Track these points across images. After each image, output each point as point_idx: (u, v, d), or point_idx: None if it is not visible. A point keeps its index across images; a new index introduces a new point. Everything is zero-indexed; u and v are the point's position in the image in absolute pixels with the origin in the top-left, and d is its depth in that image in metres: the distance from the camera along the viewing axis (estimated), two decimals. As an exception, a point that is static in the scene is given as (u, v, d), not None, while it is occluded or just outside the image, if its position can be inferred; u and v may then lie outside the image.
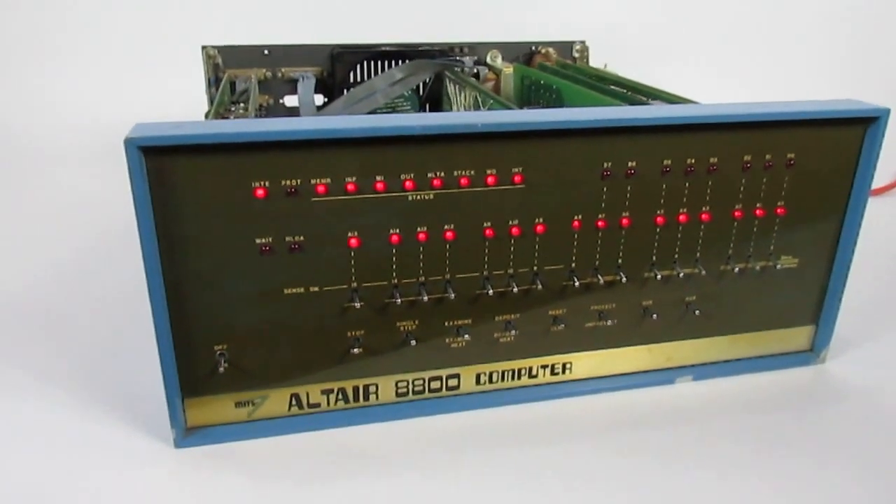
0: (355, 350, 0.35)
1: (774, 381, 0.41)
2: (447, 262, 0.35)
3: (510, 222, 0.35)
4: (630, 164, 0.35)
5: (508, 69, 0.62)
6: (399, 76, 0.57)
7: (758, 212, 0.38)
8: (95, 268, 0.54)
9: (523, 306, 0.37)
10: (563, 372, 0.39)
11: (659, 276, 0.37)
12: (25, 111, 0.84)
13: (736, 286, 0.39)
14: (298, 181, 0.31)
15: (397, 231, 0.33)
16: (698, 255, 0.38)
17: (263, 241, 0.32)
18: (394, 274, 0.34)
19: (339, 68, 0.61)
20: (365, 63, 0.62)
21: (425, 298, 0.35)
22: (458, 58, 0.57)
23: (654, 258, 0.37)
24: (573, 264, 0.36)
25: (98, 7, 0.87)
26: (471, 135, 0.32)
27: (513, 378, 0.38)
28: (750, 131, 0.36)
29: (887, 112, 0.36)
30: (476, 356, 0.37)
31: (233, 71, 0.61)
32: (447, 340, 0.36)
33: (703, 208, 0.37)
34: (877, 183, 0.48)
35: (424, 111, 0.63)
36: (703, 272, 0.38)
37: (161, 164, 0.30)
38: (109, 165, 0.75)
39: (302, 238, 0.32)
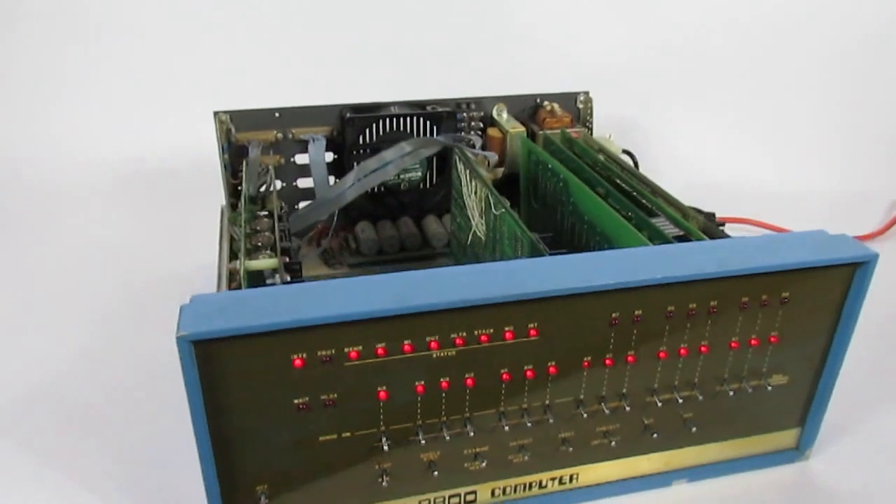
0: (382, 480, 0.38)
1: (763, 478, 0.45)
2: (467, 403, 0.38)
3: (525, 367, 0.38)
4: (636, 312, 0.38)
5: (515, 129, 0.64)
6: (408, 149, 0.59)
7: (752, 341, 0.41)
8: (121, 341, 0.57)
9: (535, 433, 0.40)
10: (571, 481, 0.42)
11: (659, 403, 0.41)
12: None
13: (730, 403, 0.42)
14: (333, 351, 0.34)
15: (422, 383, 0.36)
16: (696, 380, 0.41)
17: (300, 401, 0.35)
18: (418, 417, 0.37)
19: (349, 132, 0.62)
20: (374, 125, 0.63)
21: (447, 437, 0.38)
22: (464, 136, 0.59)
23: (655, 386, 0.40)
24: (581, 396, 0.39)
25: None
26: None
27: (525, 490, 0.42)
28: (749, 278, 0.38)
29: (876, 256, 0.39)
30: (491, 475, 0.41)
31: (244, 135, 0.62)
32: (466, 465, 0.40)
33: (703, 342, 0.40)
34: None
35: (431, 172, 0.65)
36: (701, 397, 0.41)
37: (208, 349, 0.32)
38: (116, 211, 0.77)
39: (335, 395, 0.35)
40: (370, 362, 0.35)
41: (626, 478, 0.43)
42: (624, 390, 0.40)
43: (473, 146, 0.57)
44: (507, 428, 0.38)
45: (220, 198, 0.63)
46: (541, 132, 0.64)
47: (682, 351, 0.40)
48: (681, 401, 0.41)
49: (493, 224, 0.50)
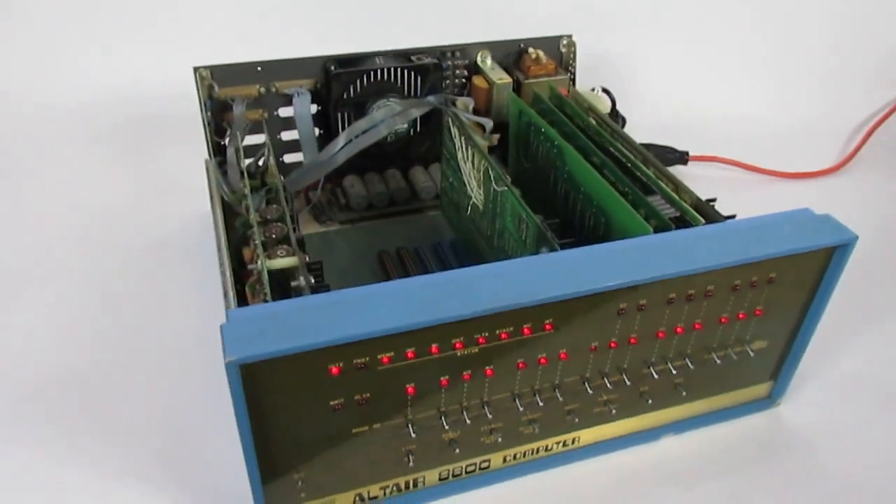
0: (408, 460, 0.42)
1: (740, 426, 0.50)
2: (486, 389, 0.41)
3: (539, 356, 0.40)
4: (642, 302, 0.40)
5: (501, 80, 0.64)
6: (398, 110, 0.59)
7: (740, 315, 0.44)
8: (124, 307, 0.57)
9: (545, 409, 0.43)
10: (573, 444, 0.47)
11: (655, 374, 0.44)
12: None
13: (716, 368, 0.47)
14: (367, 358, 0.36)
15: (447, 377, 0.39)
16: (688, 352, 0.45)
17: (336, 402, 0.37)
18: (442, 405, 0.40)
19: (334, 87, 0.61)
20: (358, 81, 0.62)
21: (467, 420, 0.41)
22: (453, 97, 0.58)
23: (653, 359, 0.44)
24: (587, 374, 0.43)
25: None
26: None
27: (533, 454, 0.46)
28: (744, 266, 0.41)
29: (855, 239, 0.42)
30: (504, 446, 0.44)
31: (226, 90, 0.61)
32: (482, 440, 0.43)
33: (697, 321, 0.43)
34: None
35: (415, 121, 0.65)
36: (691, 366, 0.45)
37: (252, 369, 0.34)
38: (95, 160, 0.75)
39: (368, 395, 0.38)
40: (401, 365, 0.37)
41: (620, 435, 0.48)
42: (625, 366, 0.44)
43: (467, 109, 0.57)
44: (521, 408, 0.42)
45: (199, 146, 0.62)
46: (526, 81, 0.64)
47: (679, 329, 0.43)
48: (674, 371, 0.45)
49: (493, 197, 0.51)
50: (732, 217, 0.46)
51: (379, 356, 0.36)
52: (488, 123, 0.55)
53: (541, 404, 0.42)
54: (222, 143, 0.62)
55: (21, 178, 0.73)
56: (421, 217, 0.65)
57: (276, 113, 0.63)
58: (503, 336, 0.38)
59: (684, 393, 0.47)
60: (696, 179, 0.75)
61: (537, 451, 0.46)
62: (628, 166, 0.51)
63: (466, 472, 0.45)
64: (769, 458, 0.48)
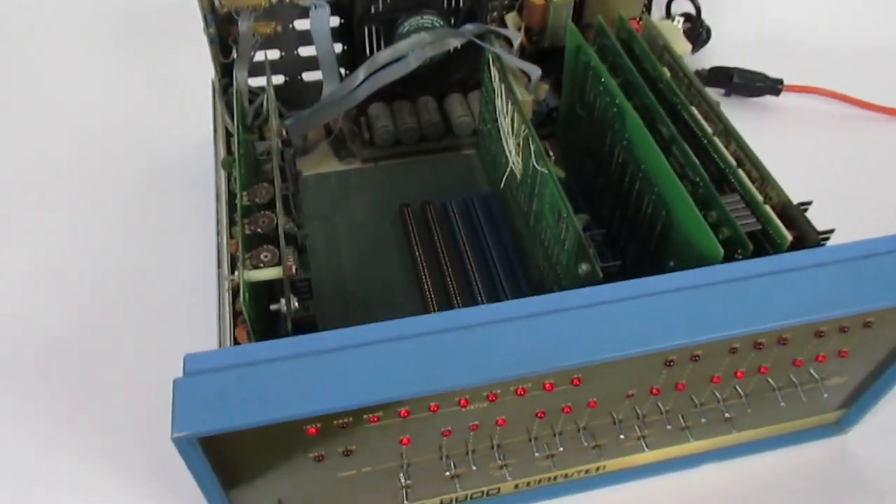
0: (404, 496, 0.37)
1: (796, 455, 0.43)
2: (496, 435, 0.35)
3: (562, 405, 0.34)
4: (697, 352, 0.33)
5: (561, -2, 0.52)
6: (429, 40, 0.49)
7: (819, 358, 0.36)
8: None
9: (566, 447, 0.37)
10: (596, 471, 0.41)
11: (703, 419, 0.38)
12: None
13: (777, 404, 0.39)
14: (350, 418, 0.30)
15: (449, 429, 0.33)
16: (746, 392, 0.37)
17: (316, 454, 0.32)
18: (442, 452, 0.35)
19: (358, 2, 0.51)
20: (387, -7, 0.51)
21: (473, 467, 0.35)
22: (495, 29, 0.47)
23: (701, 401, 0.37)
24: (619, 418, 0.36)
25: None
26: (532, 370, 0.30)
27: (549, 481, 0.41)
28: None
29: None
30: (516, 475, 0.39)
31: (231, 0, 0.51)
32: (491, 474, 0.38)
33: (764, 365, 0.36)
34: None
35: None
36: (749, 408, 0.38)
37: (212, 441, 0.28)
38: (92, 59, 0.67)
39: (354, 447, 0.32)
40: (392, 422, 0.31)
41: (652, 462, 0.42)
42: (668, 408, 0.37)
43: (511, 45, 0.47)
44: (536, 453, 0.36)
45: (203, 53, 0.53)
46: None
47: (739, 374, 0.36)
48: (727, 413, 0.38)
49: (533, 172, 0.42)
50: (829, 235, 0.36)
51: (364, 416, 0.30)
52: (535, 72, 0.45)
53: (561, 449, 0.36)
54: (228, 61, 0.53)
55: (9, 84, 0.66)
56: (455, 158, 0.57)
57: (290, 25, 0.54)
58: (519, 391, 0.32)
59: (734, 429, 0.40)
60: (788, 116, 0.63)
61: (555, 479, 0.41)
62: (704, 143, 0.41)
63: (471, 499, 0.40)
64: (829, 498, 0.41)
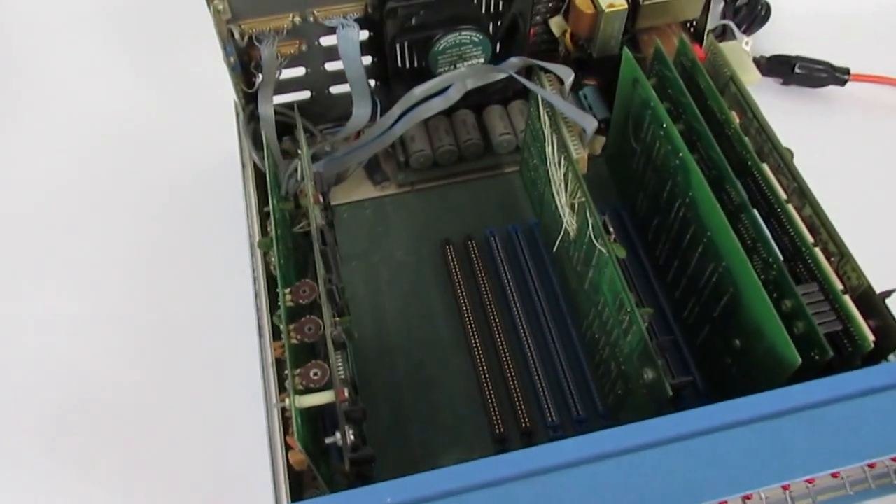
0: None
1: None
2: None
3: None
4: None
5: (612, 8, 0.47)
6: (468, 74, 0.44)
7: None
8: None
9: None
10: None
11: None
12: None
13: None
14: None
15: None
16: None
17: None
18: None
19: (390, 24, 0.47)
20: (421, 12, 0.47)
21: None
22: (544, 65, 0.43)
23: None
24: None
25: None
26: None
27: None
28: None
29: None
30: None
31: (250, 23, 0.47)
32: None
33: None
34: None
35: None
36: None
37: None
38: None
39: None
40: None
41: None
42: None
43: (562, 83, 0.42)
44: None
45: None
46: (646, 3, 0.47)
47: (810, 480, 0.34)
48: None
49: (589, 239, 0.39)
50: (913, 329, 0.34)
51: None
52: (591, 125, 0.41)
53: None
54: (251, 90, 0.49)
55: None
56: (496, 177, 0.53)
57: (316, 42, 0.49)
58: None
59: None
60: (854, 108, 0.59)
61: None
62: (777, 210, 0.38)
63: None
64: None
